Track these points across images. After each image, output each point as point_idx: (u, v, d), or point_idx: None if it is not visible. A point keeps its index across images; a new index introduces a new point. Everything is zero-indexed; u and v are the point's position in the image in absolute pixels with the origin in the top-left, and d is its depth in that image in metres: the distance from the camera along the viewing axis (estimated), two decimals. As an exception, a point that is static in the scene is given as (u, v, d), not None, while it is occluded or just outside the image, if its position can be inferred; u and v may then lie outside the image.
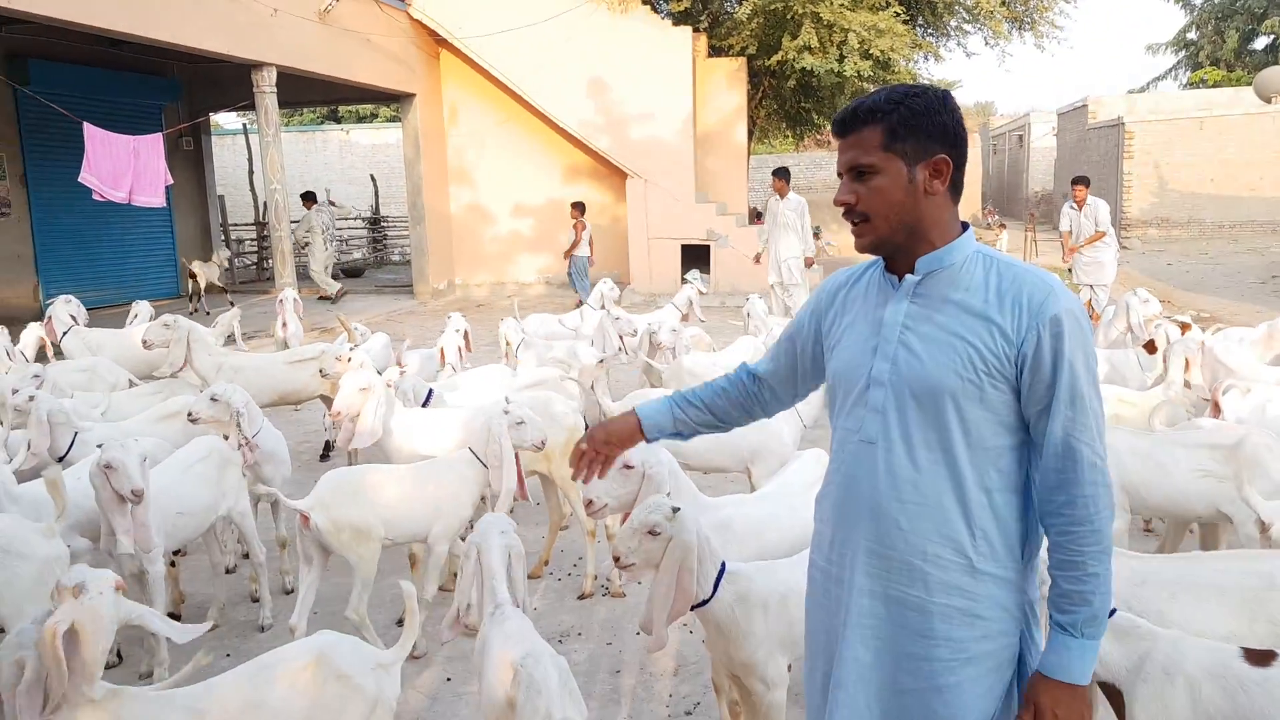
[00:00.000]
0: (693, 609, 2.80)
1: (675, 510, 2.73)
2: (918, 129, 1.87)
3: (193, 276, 15.13)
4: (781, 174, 11.67)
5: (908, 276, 1.93)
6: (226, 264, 16.32)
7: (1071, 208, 11.33)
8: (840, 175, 1.96)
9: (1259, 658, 2.38)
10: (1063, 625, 1.84)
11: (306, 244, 16.23)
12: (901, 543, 1.89)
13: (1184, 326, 6.30)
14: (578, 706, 2.58)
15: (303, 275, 15.76)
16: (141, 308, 8.94)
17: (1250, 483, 3.49)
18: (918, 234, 1.90)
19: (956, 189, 1.92)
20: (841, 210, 1.95)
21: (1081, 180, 11.34)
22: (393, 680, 2.77)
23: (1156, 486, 4.11)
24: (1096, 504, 1.81)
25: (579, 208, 15.03)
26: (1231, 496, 3.88)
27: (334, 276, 17.08)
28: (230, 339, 8.47)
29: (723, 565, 2.84)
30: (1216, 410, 4.80)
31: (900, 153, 1.86)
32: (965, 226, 1.95)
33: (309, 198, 16.66)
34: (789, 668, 3.02)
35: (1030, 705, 1.86)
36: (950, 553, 1.87)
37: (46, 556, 3.51)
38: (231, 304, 14.28)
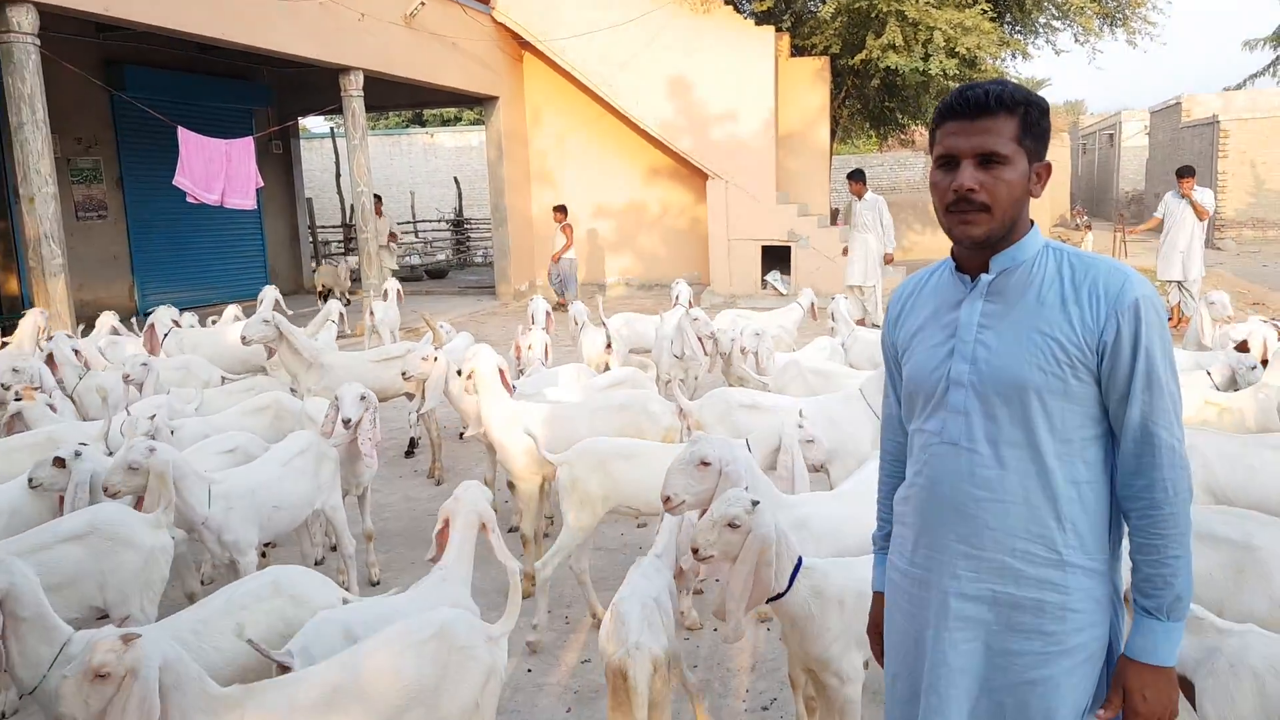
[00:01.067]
0: (769, 601, 2.83)
1: (754, 504, 2.77)
2: (1042, 130, 1.88)
3: (323, 292, 15.44)
4: (856, 176, 11.80)
5: (982, 275, 1.92)
6: (353, 271, 16.43)
7: (1177, 196, 11.31)
8: (946, 158, 1.89)
9: None
10: (1147, 609, 1.85)
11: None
12: (991, 542, 1.89)
13: None
14: (655, 636, 2.99)
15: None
16: (267, 293, 9.18)
17: None
18: (1012, 232, 1.90)
19: None
20: (953, 197, 1.87)
21: (1187, 171, 11.30)
22: (501, 652, 2.95)
23: (1245, 490, 3.99)
24: (1176, 487, 1.82)
25: (563, 210, 15.18)
26: None
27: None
28: (340, 333, 8.62)
29: (799, 559, 2.86)
30: None
31: (1027, 149, 1.86)
32: (1031, 223, 1.95)
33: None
34: (865, 665, 3.02)
35: (1119, 689, 1.88)
36: (1040, 548, 1.87)
37: (153, 546, 3.62)
38: (332, 294, 14.52)
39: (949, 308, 1.97)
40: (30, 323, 7.78)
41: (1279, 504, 3.96)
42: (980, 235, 1.87)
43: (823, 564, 2.99)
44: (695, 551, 2.84)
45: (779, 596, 2.82)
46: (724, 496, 2.89)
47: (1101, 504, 1.90)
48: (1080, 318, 1.82)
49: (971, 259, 1.95)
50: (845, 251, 12.39)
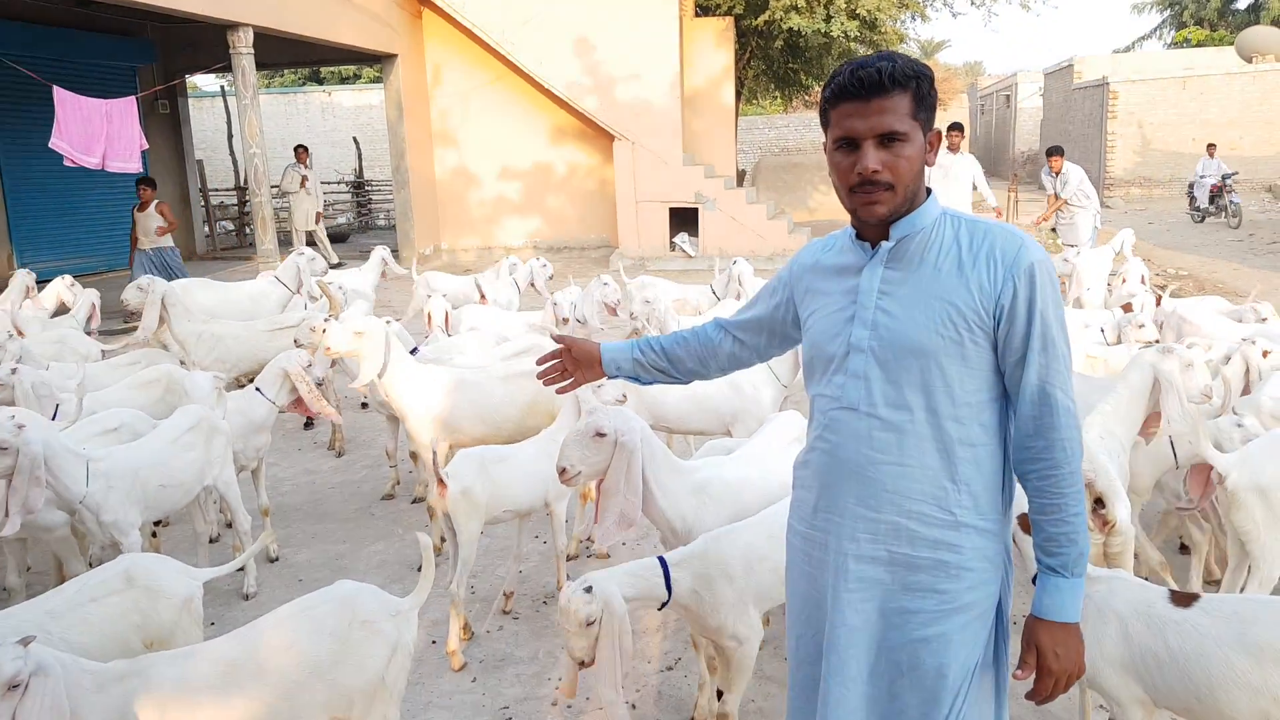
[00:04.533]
0: (661, 609, 2.96)
1: (622, 398, 2.82)
2: (932, 101, 1.91)
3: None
4: (958, 127, 11.40)
5: (883, 244, 1.95)
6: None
7: (1049, 175, 11.59)
8: (848, 140, 1.89)
9: (1181, 599, 2.59)
10: (1052, 568, 1.91)
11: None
12: (888, 504, 1.93)
13: (1159, 299, 6.42)
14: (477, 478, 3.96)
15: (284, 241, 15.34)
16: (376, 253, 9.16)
17: (1205, 437, 3.54)
18: (912, 203, 1.93)
19: None
20: (857, 179, 1.88)
21: (1056, 151, 11.58)
22: (410, 626, 2.90)
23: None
24: (1072, 446, 1.87)
25: (152, 184, 11.74)
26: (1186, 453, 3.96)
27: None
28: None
29: (661, 560, 2.95)
30: None
31: (921, 122, 1.89)
32: (928, 191, 1.97)
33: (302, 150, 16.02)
34: (767, 621, 3.20)
35: (1031, 648, 1.93)
36: (935, 509, 1.91)
37: None
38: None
39: (850, 274, 2.00)
40: (19, 283, 7.95)
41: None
42: (885, 213, 1.90)
43: (697, 546, 3.04)
44: (562, 473, 2.99)
45: (665, 605, 2.93)
46: (586, 411, 3.03)
47: (995, 466, 1.95)
48: (978, 282, 1.85)
49: (871, 228, 1.97)
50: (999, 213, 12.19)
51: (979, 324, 1.86)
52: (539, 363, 2.48)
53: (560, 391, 2.50)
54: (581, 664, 2.78)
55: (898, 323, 1.90)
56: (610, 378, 2.44)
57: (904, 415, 1.91)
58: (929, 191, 1.96)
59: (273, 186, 12.97)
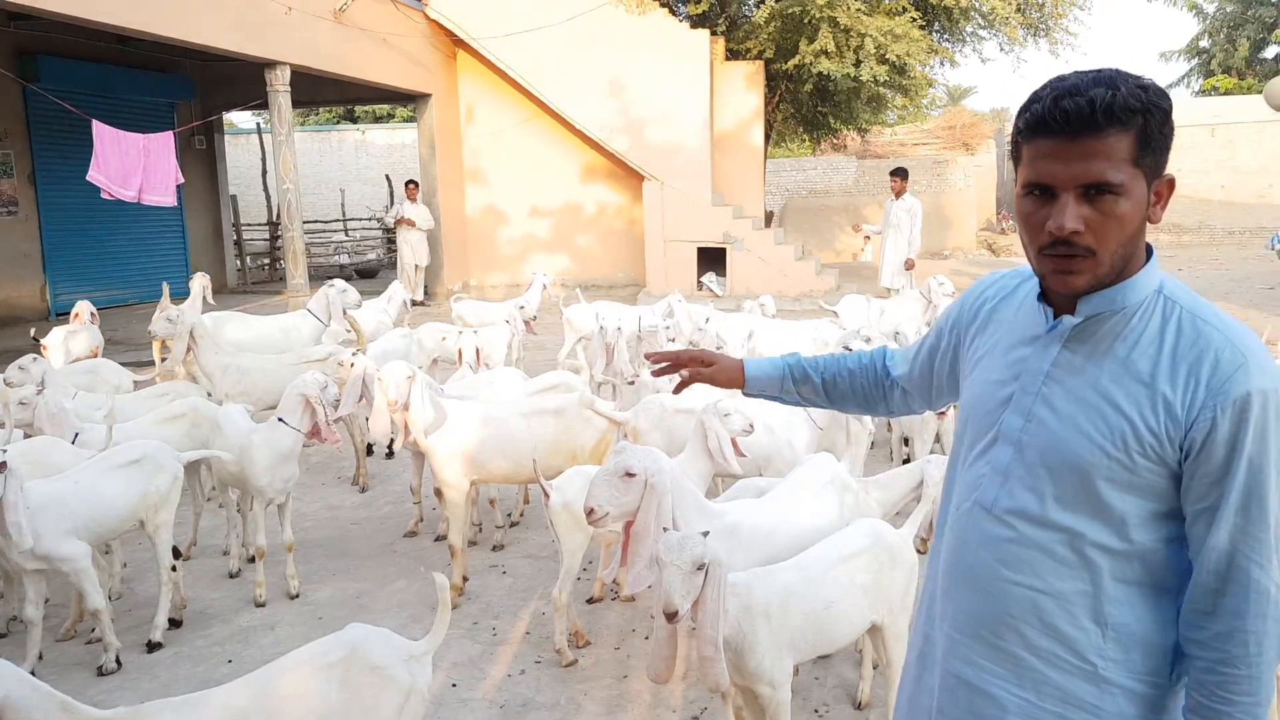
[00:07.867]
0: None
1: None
2: (1164, 139, 1.45)
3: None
4: (900, 174, 11.82)
5: (1065, 318, 1.54)
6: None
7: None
8: (1041, 187, 1.49)
9: None
10: None
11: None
12: (1011, 634, 1.57)
13: None
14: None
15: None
16: (396, 290, 9.73)
17: None
18: (1123, 271, 1.51)
19: None
20: (1048, 239, 1.48)
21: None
22: (425, 670, 2.82)
23: None
24: (1261, 644, 1.43)
25: None
26: None
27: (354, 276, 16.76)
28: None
29: None
30: None
31: (1146, 169, 1.45)
32: (1149, 253, 1.54)
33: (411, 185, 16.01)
34: (796, 671, 3.12)
35: None
36: (1069, 654, 1.54)
37: None
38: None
39: (1022, 341, 1.62)
40: (198, 285, 9.26)
41: None
42: (1084, 285, 1.49)
43: (743, 578, 3.00)
44: (590, 513, 2.91)
45: None
46: (613, 448, 2.94)
47: (1167, 615, 1.53)
48: (1167, 402, 1.44)
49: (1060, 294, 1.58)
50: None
51: (1155, 451, 1.45)
52: (651, 358, 2.21)
53: (676, 391, 2.23)
54: (673, 618, 2.63)
55: (1057, 422, 1.53)
56: (747, 395, 2.14)
57: (1045, 533, 1.53)
58: (1150, 254, 1.53)
59: (382, 221, 12.92)
